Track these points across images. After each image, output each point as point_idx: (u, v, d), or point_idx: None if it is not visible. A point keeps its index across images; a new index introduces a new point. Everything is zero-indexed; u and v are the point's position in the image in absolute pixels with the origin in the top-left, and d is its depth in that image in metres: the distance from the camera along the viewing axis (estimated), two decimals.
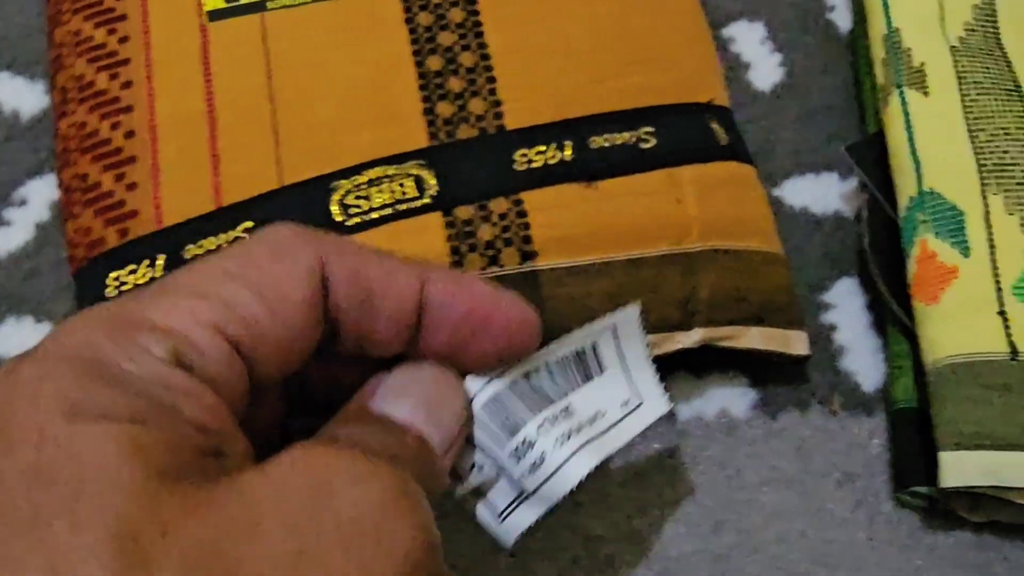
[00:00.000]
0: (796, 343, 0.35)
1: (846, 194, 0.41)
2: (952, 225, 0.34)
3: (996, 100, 0.36)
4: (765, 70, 0.43)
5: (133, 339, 0.18)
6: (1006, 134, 0.35)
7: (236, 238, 0.33)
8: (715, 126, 0.36)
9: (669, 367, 0.37)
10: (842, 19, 0.44)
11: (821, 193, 0.41)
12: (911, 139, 0.37)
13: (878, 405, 0.37)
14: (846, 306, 0.39)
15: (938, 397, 0.32)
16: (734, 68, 0.44)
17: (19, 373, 0.18)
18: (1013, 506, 0.34)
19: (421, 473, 0.21)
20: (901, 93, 0.37)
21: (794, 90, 0.43)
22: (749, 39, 0.44)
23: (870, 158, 0.38)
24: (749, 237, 0.35)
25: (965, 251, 0.34)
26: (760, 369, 0.37)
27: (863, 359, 0.38)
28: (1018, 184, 0.34)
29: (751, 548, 0.35)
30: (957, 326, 0.33)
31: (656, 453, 0.36)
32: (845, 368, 0.38)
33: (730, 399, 0.37)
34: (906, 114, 0.37)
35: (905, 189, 0.36)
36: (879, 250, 0.36)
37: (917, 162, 0.36)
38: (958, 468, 0.31)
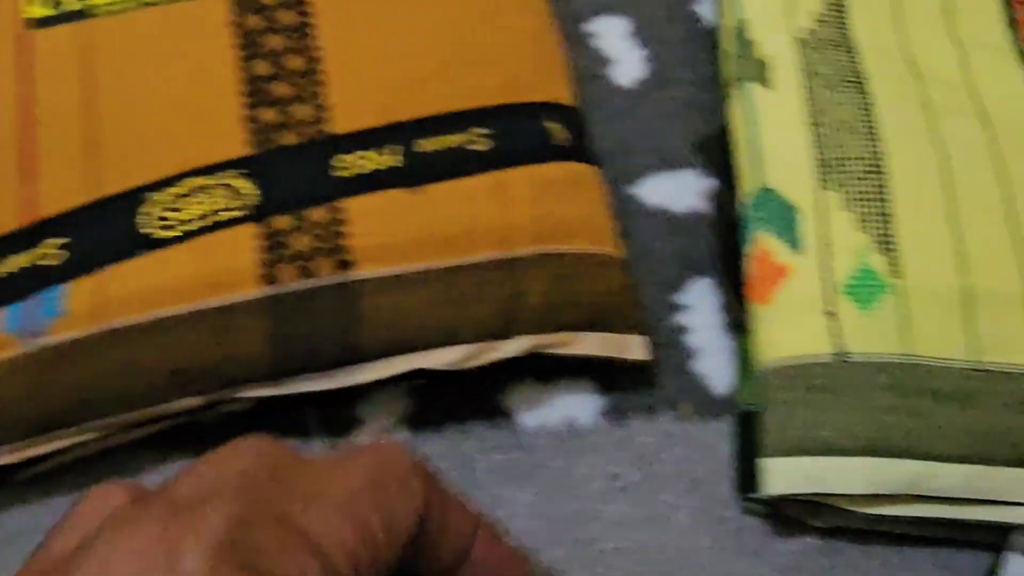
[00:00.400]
0: (634, 348, 0.34)
1: (706, 192, 0.40)
2: (786, 222, 0.33)
3: (838, 92, 0.35)
4: (628, 65, 0.42)
5: (295, 554, 0.21)
6: (846, 127, 0.34)
7: (44, 255, 0.32)
8: (552, 125, 0.35)
9: (514, 374, 0.36)
10: (708, 11, 0.43)
11: (680, 191, 0.40)
12: (752, 135, 0.36)
13: (728, 409, 0.36)
14: (700, 307, 0.38)
15: (766, 401, 0.31)
16: (596, 64, 0.43)
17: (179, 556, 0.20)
18: (854, 513, 0.33)
19: None
20: (745, 87, 0.36)
21: (658, 85, 0.42)
22: (613, 34, 0.43)
23: (718, 154, 0.37)
24: (583, 239, 0.34)
25: (798, 249, 0.33)
26: (608, 375, 0.37)
27: (715, 361, 0.37)
28: (857, 179, 0.33)
29: (589, 559, 0.34)
30: (786, 327, 0.32)
31: (497, 465, 0.35)
32: (697, 371, 0.37)
33: (577, 406, 0.36)
34: (749, 109, 0.36)
35: (745, 185, 0.35)
36: (727, 249, 0.36)
37: (757, 158, 0.35)
38: (782, 475, 0.30)
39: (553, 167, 0.35)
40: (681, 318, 0.38)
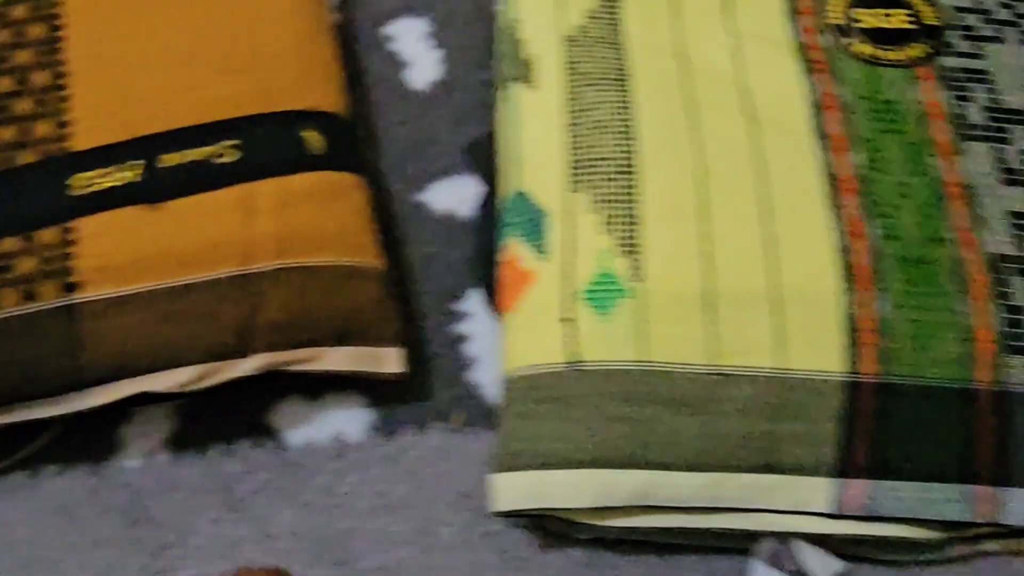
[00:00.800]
0: (390, 361, 0.33)
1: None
2: (535, 227, 0.32)
3: (599, 91, 0.34)
4: (423, 68, 0.41)
5: None
6: (602, 127, 0.33)
7: None
8: (308, 135, 0.34)
9: (281, 391, 0.35)
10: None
11: (466, 197, 0.39)
12: (513, 136, 0.35)
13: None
14: (481, 315, 0.37)
15: (502, 414, 0.31)
16: (392, 67, 0.42)
17: None
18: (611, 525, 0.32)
19: None
20: (510, 88, 0.35)
21: (451, 88, 0.41)
22: (411, 36, 0.42)
23: (487, 158, 0.36)
24: (333, 251, 0.33)
25: (543, 255, 0.32)
26: (378, 388, 0.36)
27: (492, 370, 0.36)
28: (607, 180, 0.32)
29: None
30: (525, 336, 0.31)
31: (261, 484, 0.34)
32: (473, 381, 0.36)
33: (345, 422, 0.35)
34: (512, 110, 0.35)
35: (502, 190, 0.34)
36: (489, 257, 0.34)
37: (516, 161, 0.34)
38: (508, 490, 0.30)
39: (305, 177, 0.34)
40: (461, 327, 0.37)
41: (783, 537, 0.30)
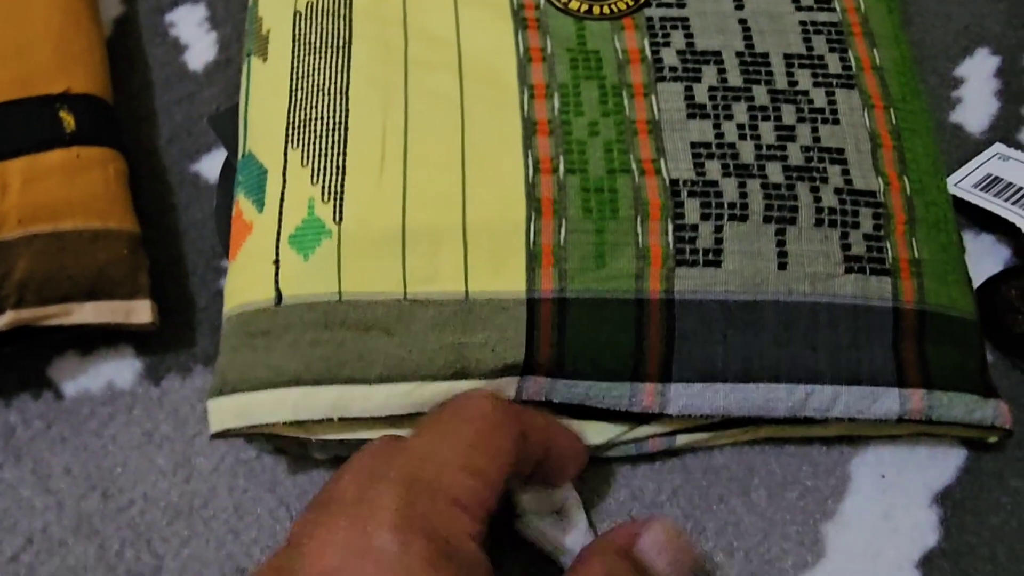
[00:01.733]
0: (139, 313, 0.37)
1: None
2: (256, 183, 0.36)
3: (323, 59, 0.38)
4: (200, 50, 0.45)
5: (450, 511, 0.27)
6: (322, 90, 0.37)
7: None
8: (64, 116, 0.38)
9: (57, 348, 0.39)
10: None
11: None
12: (246, 105, 0.38)
13: None
14: None
15: (220, 350, 0.34)
16: (172, 51, 0.46)
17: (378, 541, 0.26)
18: (346, 442, 0.36)
19: None
20: (248, 61, 0.39)
21: (225, 67, 0.45)
22: (188, 22, 0.46)
23: (231, 128, 0.39)
24: (81, 217, 0.36)
25: (260, 207, 0.35)
26: (149, 340, 0.39)
27: None
28: (317, 136, 0.36)
29: (115, 509, 0.36)
30: (240, 279, 0.35)
31: (38, 432, 0.38)
32: None
33: (116, 371, 0.39)
34: (247, 82, 0.39)
35: (238, 154, 0.38)
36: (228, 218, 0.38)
37: (246, 126, 0.38)
38: (219, 413, 0.33)
39: (57, 154, 0.37)
40: (224, 282, 0.40)
41: None
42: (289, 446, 0.36)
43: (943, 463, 0.37)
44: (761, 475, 0.37)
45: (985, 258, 0.41)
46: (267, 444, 0.36)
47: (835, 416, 0.34)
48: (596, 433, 0.35)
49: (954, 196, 0.40)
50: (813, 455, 0.37)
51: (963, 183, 0.40)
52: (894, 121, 0.38)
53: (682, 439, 0.36)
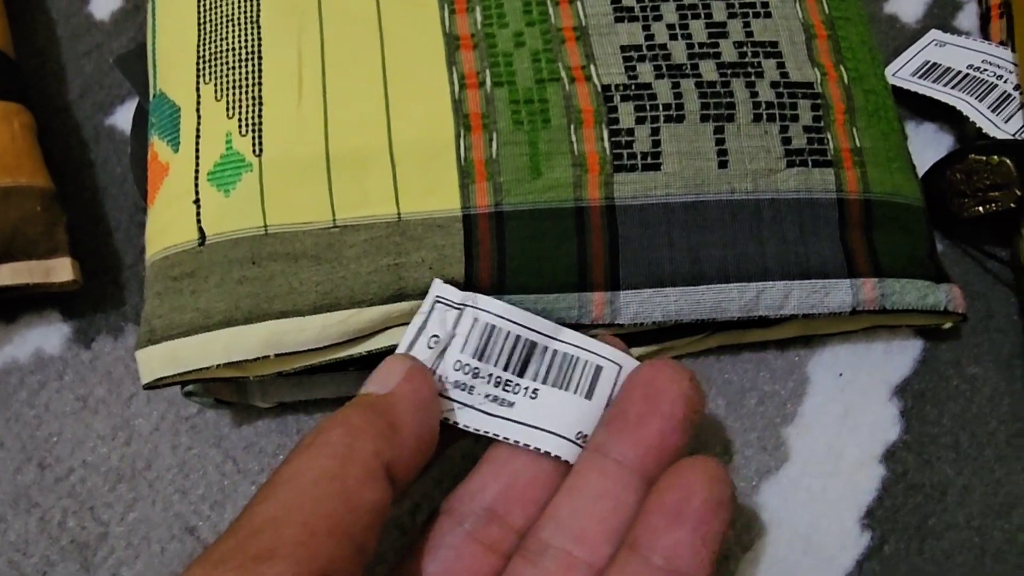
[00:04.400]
0: (59, 271, 0.35)
1: None
2: (170, 123, 0.34)
3: None
4: (104, 1, 0.43)
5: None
6: (231, 21, 0.35)
7: None
8: None
9: None
10: None
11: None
12: (153, 44, 0.36)
13: None
14: None
15: (144, 298, 0.33)
16: (74, 3, 0.43)
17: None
18: (284, 386, 0.34)
19: None
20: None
21: (132, 14, 0.43)
22: None
23: (139, 69, 0.37)
24: None
25: (176, 147, 0.34)
26: (75, 302, 0.38)
27: None
28: (229, 68, 0.34)
29: (53, 480, 0.35)
30: (161, 223, 0.33)
31: None
32: None
33: (44, 338, 0.37)
34: (153, 18, 0.37)
35: (149, 95, 0.36)
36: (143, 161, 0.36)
37: (154, 65, 0.36)
38: (149, 363, 0.31)
39: None
40: None
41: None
42: (230, 397, 0.34)
43: (900, 356, 0.36)
44: (718, 384, 0.36)
45: (929, 146, 0.40)
46: (208, 399, 0.35)
47: (788, 313, 0.33)
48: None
49: (894, 86, 0.39)
50: (769, 360, 0.36)
51: (901, 72, 0.40)
52: (827, 11, 0.37)
53: (635, 352, 0.35)
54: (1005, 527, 0.34)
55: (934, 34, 0.41)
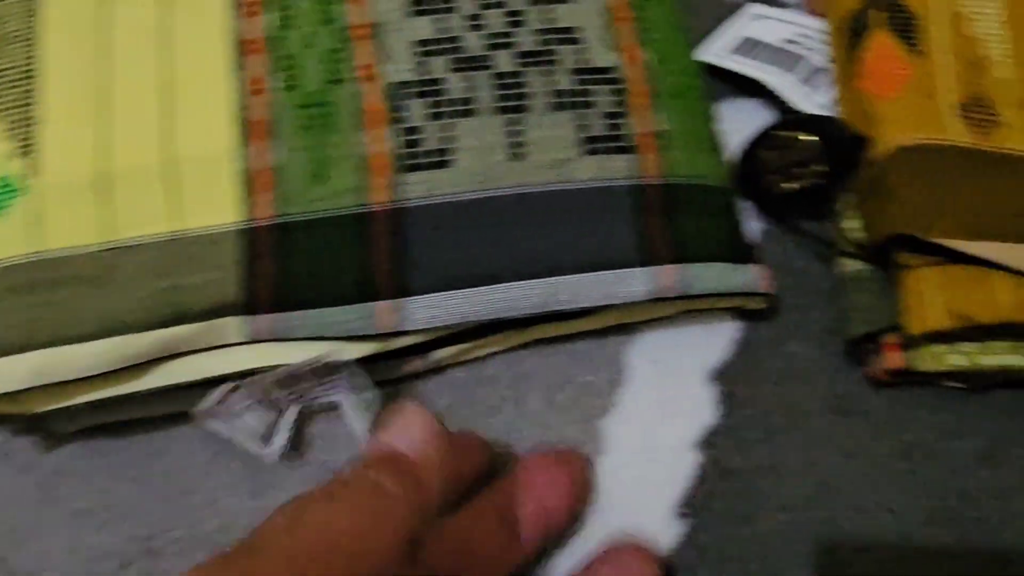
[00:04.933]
0: None
1: None
2: None
3: (6, 5, 0.35)
4: None
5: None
6: (9, 38, 0.34)
7: None
8: None
9: None
10: None
11: None
12: None
13: None
14: None
15: None
16: None
17: None
18: (87, 412, 0.34)
19: None
20: None
21: None
22: None
23: None
24: None
25: None
26: None
27: None
28: (8, 89, 0.33)
29: None
30: None
31: None
32: None
33: None
34: None
35: None
36: None
37: None
38: (8, 375, 0.30)
39: None
40: None
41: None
42: (34, 424, 0.34)
43: (717, 340, 0.36)
44: (534, 379, 0.35)
45: (750, 124, 0.39)
46: (13, 425, 0.34)
47: (584, 305, 0.33)
48: (351, 352, 0.33)
49: (710, 64, 0.38)
50: (587, 351, 0.36)
51: (718, 49, 0.39)
52: None
53: (441, 354, 0.34)
54: (820, 510, 0.33)
55: (753, 8, 0.40)
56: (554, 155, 0.34)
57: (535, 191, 0.33)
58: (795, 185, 0.35)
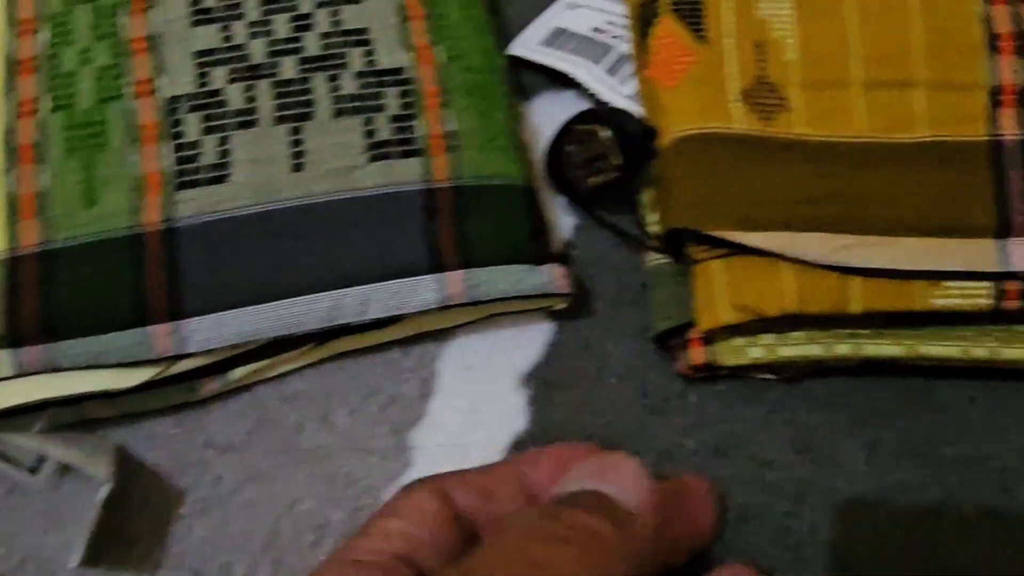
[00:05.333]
0: None
1: None
2: None
3: None
4: None
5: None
6: None
7: None
8: None
9: None
10: None
11: None
12: None
13: None
14: None
15: None
16: None
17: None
18: None
19: None
20: None
21: None
22: None
23: None
24: None
25: None
26: None
27: None
28: None
29: None
30: None
31: None
32: None
33: None
34: None
35: None
36: None
37: None
38: None
39: None
40: None
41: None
42: None
43: (529, 342, 0.35)
44: (341, 393, 0.34)
45: (566, 116, 0.38)
46: None
47: (373, 317, 0.31)
48: (127, 379, 0.32)
49: (522, 58, 0.37)
50: (396, 360, 0.35)
51: (528, 40, 0.38)
52: None
53: (239, 372, 0.33)
54: None
55: None
56: (339, 163, 0.32)
57: (318, 201, 0.32)
58: (599, 179, 0.35)
